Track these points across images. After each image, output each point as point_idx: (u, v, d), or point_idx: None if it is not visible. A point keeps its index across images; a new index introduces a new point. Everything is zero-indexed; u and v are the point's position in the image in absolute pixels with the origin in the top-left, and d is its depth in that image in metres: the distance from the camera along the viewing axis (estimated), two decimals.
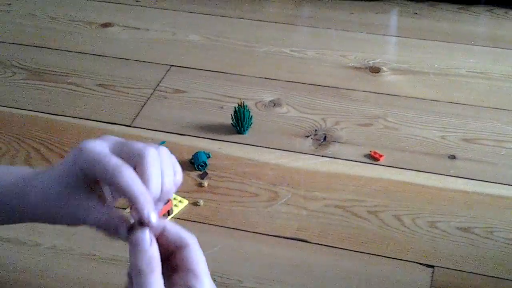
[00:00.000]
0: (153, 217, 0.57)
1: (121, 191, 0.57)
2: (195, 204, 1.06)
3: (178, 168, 0.62)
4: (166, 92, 1.31)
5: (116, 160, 0.58)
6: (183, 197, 1.06)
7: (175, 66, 1.38)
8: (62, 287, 0.94)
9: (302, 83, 1.33)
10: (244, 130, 1.20)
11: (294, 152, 1.16)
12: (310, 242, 1.00)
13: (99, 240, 0.99)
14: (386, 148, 1.16)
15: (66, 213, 0.62)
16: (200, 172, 1.11)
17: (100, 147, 0.60)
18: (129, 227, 0.57)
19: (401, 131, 1.20)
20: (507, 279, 0.94)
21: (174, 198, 1.05)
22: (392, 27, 1.54)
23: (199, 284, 0.58)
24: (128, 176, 0.57)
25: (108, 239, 0.60)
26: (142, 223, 0.56)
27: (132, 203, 0.56)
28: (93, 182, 0.61)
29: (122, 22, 1.54)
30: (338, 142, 1.18)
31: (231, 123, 1.20)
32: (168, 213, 1.03)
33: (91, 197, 0.61)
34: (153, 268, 0.55)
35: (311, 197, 1.07)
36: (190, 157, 1.14)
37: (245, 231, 1.02)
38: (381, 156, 1.14)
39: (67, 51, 1.44)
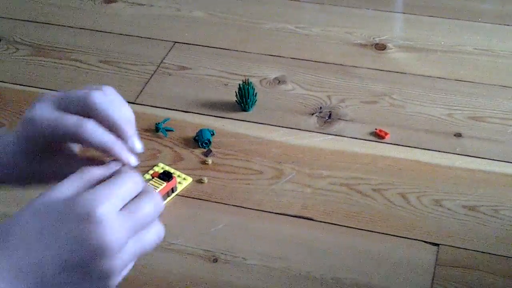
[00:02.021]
0: (132, 160, 0.57)
1: (92, 146, 0.56)
2: (199, 181, 1.05)
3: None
4: (170, 68, 1.30)
5: (71, 118, 0.57)
6: (188, 175, 1.06)
7: (179, 42, 1.37)
8: None
9: (307, 60, 1.32)
10: (248, 108, 1.19)
11: (299, 129, 1.16)
12: (315, 220, 1.00)
13: None
14: (392, 126, 1.16)
15: (37, 172, 0.61)
16: (204, 150, 1.11)
17: (47, 111, 0.59)
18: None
19: (407, 109, 1.19)
20: None
21: (178, 176, 1.05)
22: (398, 3, 1.52)
23: None
24: (91, 129, 0.56)
25: None
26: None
27: (108, 153, 0.56)
28: (58, 144, 0.61)
29: None
30: (343, 119, 1.17)
31: (236, 100, 1.19)
32: (172, 190, 1.02)
33: (61, 156, 0.62)
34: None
35: (316, 175, 1.07)
36: (194, 134, 1.13)
37: (250, 208, 1.02)
38: (386, 134, 1.13)
39: (71, 27, 1.43)
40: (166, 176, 1.01)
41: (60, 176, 0.55)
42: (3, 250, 0.50)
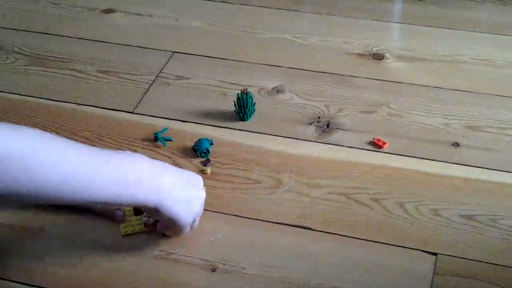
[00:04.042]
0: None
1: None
2: None
3: None
4: (168, 78, 1.30)
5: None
6: None
7: (177, 52, 1.38)
8: (66, 272, 0.94)
9: (305, 69, 1.33)
10: (247, 117, 1.19)
11: (297, 139, 1.16)
12: (313, 230, 1.00)
13: (100, 229, 0.99)
14: (390, 135, 1.16)
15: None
16: (203, 159, 1.11)
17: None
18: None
19: (405, 119, 1.20)
20: (511, 267, 0.94)
21: None
22: (396, 13, 1.53)
23: None
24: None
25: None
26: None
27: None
28: None
29: (124, 8, 1.53)
30: (341, 129, 1.18)
31: (234, 110, 1.20)
32: None
33: None
34: None
35: (314, 184, 1.07)
36: (193, 144, 1.13)
37: (248, 218, 1.02)
38: (384, 143, 1.13)
39: (69, 37, 1.43)
40: None
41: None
42: (165, 171, 0.90)
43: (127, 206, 0.91)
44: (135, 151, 1.10)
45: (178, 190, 0.89)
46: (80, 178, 0.79)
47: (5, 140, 0.74)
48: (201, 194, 0.94)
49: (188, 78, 1.31)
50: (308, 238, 0.99)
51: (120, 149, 1.12)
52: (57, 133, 1.17)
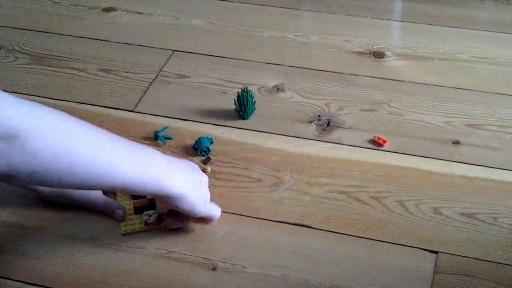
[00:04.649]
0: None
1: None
2: None
3: None
4: (169, 77, 1.30)
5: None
6: None
7: (178, 51, 1.38)
8: (66, 271, 0.94)
9: (306, 68, 1.33)
10: (247, 116, 1.19)
11: (298, 137, 1.16)
12: (314, 228, 1.00)
13: (100, 228, 0.99)
14: (390, 133, 1.16)
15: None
16: (203, 158, 1.11)
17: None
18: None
19: (405, 117, 1.20)
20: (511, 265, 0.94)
21: None
22: (396, 11, 1.53)
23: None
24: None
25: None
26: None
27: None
28: None
29: (125, 6, 1.53)
30: (342, 127, 1.18)
31: (234, 109, 1.20)
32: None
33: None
34: None
35: (314, 182, 1.07)
36: (193, 142, 1.13)
37: (248, 216, 1.02)
38: (385, 141, 1.13)
39: (70, 35, 1.43)
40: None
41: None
42: (172, 159, 0.93)
43: (149, 193, 0.91)
44: None
45: (190, 176, 0.92)
46: (110, 156, 0.81)
47: (31, 115, 0.77)
48: (205, 177, 0.96)
49: (188, 77, 1.31)
50: (308, 236, 0.99)
51: None
52: None
